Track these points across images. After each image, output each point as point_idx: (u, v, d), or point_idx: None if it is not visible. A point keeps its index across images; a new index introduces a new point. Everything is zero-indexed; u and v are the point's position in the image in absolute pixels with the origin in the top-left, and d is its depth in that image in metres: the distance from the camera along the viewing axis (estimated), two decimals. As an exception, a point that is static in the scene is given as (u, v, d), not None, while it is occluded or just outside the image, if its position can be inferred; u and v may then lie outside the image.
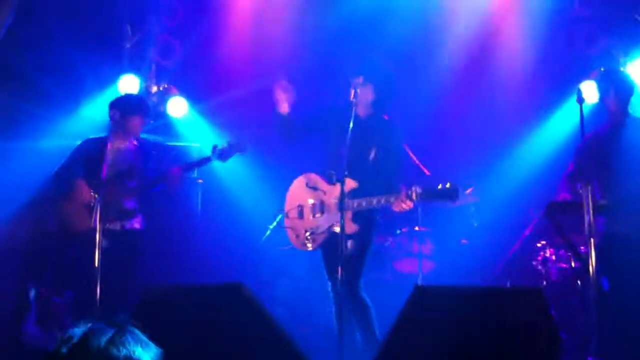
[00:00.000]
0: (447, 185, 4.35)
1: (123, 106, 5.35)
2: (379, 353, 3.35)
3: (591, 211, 4.00)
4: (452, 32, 6.98)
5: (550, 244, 5.96)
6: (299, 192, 4.93)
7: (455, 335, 3.25)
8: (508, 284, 6.23)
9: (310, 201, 4.83)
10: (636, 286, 4.44)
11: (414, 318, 3.30)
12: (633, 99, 4.78)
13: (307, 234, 4.76)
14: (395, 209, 4.43)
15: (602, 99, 4.77)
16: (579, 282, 5.61)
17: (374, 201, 4.51)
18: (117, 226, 5.11)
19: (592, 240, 3.99)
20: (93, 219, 4.84)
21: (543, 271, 5.89)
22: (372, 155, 4.73)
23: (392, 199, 4.42)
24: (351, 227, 4.57)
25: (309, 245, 4.77)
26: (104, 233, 4.63)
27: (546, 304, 3.34)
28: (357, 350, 4.66)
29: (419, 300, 3.32)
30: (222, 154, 5.20)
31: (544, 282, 5.85)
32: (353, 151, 4.45)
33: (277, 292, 6.81)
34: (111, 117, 5.31)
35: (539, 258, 5.97)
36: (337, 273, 4.36)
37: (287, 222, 4.93)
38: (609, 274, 4.46)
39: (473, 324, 3.28)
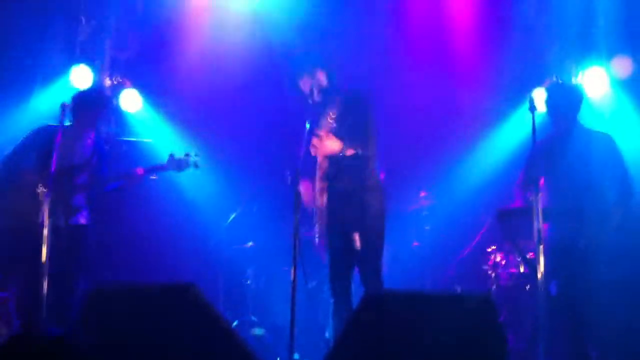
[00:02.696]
0: None
1: (81, 99, 5.28)
2: (328, 356, 3.36)
3: (540, 218, 4.08)
4: (408, 35, 7.04)
5: (500, 249, 6.05)
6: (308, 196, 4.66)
7: (405, 339, 3.27)
8: (458, 288, 6.31)
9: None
10: (581, 291, 4.55)
11: (364, 322, 3.32)
12: (582, 109, 4.88)
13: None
14: (315, 152, 4.36)
15: (551, 108, 4.84)
16: (527, 287, 5.71)
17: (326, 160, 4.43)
18: (61, 221, 5.01)
19: (540, 246, 4.06)
20: (40, 213, 4.72)
21: (493, 275, 5.98)
22: (337, 118, 4.52)
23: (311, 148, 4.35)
24: (324, 198, 4.50)
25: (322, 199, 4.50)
26: (50, 228, 4.53)
27: (494, 309, 3.39)
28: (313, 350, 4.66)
29: (370, 304, 3.33)
30: (178, 166, 5.22)
31: (494, 286, 5.94)
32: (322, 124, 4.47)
33: (229, 292, 6.76)
34: (67, 109, 5.21)
35: (489, 262, 6.05)
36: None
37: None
38: (557, 279, 4.55)
39: (423, 328, 3.31)
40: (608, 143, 4.78)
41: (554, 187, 4.67)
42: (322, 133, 4.30)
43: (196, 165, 5.25)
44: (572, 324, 4.56)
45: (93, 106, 5.36)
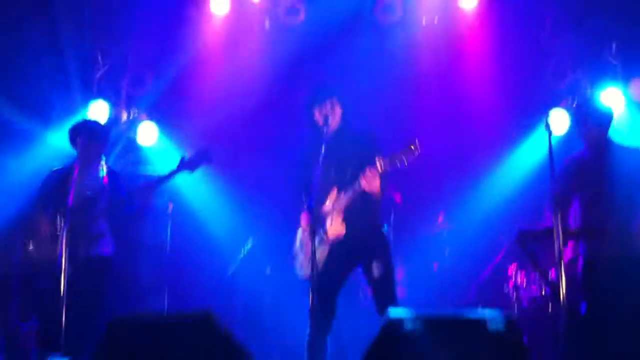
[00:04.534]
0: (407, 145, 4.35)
1: (87, 131, 5.28)
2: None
3: (561, 238, 4.00)
4: (423, 62, 7.06)
5: (521, 270, 5.99)
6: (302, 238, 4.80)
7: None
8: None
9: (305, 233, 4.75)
10: (616, 311, 4.40)
11: (387, 344, 3.29)
12: (612, 125, 4.74)
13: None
14: (366, 186, 4.39)
15: (579, 127, 4.77)
16: (549, 308, 5.63)
17: (349, 192, 4.50)
18: (82, 253, 4.99)
19: (562, 266, 3.98)
20: (59, 247, 4.73)
21: (514, 297, 5.92)
22: (350, 169, 4.59)
23: (361, 179, 4.38)
24: (341, 229, 4.56)
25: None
26: (70, 260, 4.53)
27: (518, 330, 3.34)
28: None
29: (392, 326, 3.31)
30: (190, 164, 5.13)
31: (516, 308, 5.88)
32: (334, 169, 4.53)
33: (247, 320, 6.73)
34: (77, 144, 5.22)
35: (510, 284, 6.00)
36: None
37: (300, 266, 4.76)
38: (590, 300, 4.45)
39: (447, 350, 3.27)
40: None
41: (590, 206, 4.55)
42: (375, 170, 4.36)
43: (208, 159, 5.16)
44: (599, 345, 4.45)
45: (96, 134, 5.32)
